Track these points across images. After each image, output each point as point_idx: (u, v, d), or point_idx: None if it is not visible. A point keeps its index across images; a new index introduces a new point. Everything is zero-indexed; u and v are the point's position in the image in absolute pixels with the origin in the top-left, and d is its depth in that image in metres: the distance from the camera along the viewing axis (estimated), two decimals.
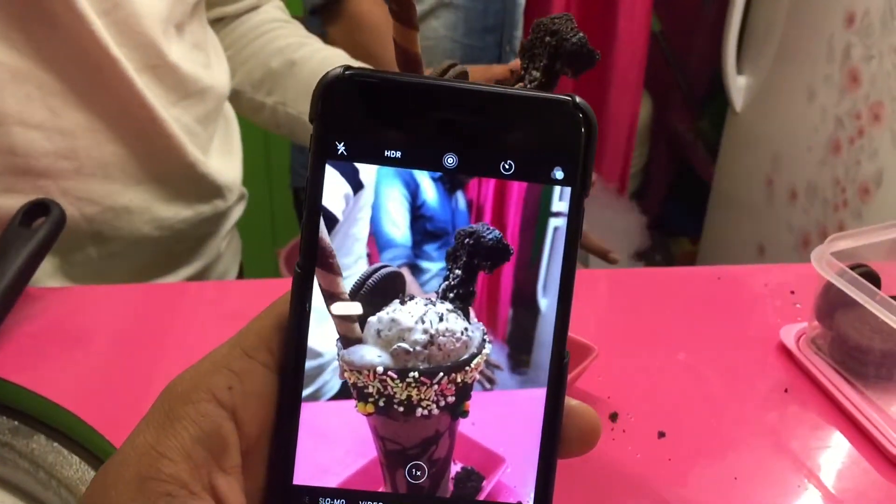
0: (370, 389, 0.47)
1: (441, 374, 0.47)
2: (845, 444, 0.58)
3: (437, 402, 0.48)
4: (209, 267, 0.86)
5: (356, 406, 0.50)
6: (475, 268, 0.49)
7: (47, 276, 0.72)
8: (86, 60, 0.67)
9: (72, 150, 0.69)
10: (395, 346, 0.47)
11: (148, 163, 0.74)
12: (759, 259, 1.85)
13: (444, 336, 0.47)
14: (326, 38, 1.10)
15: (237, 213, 0.90)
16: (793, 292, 0.72)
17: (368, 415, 0.49)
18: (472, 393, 0.49)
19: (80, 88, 0.68)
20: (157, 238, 0.78)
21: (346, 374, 0.48)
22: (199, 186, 0.79)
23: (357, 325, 0.47)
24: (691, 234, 2.34)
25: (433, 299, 0.49)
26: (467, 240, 0.49)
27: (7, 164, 0.67)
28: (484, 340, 0.50)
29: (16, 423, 0.58)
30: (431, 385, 0.47)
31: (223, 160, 0.85)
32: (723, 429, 0.59)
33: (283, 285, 0.73)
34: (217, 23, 0.95)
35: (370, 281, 0.48)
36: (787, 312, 0.70)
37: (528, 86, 0.48)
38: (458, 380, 0.48)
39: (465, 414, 0.52)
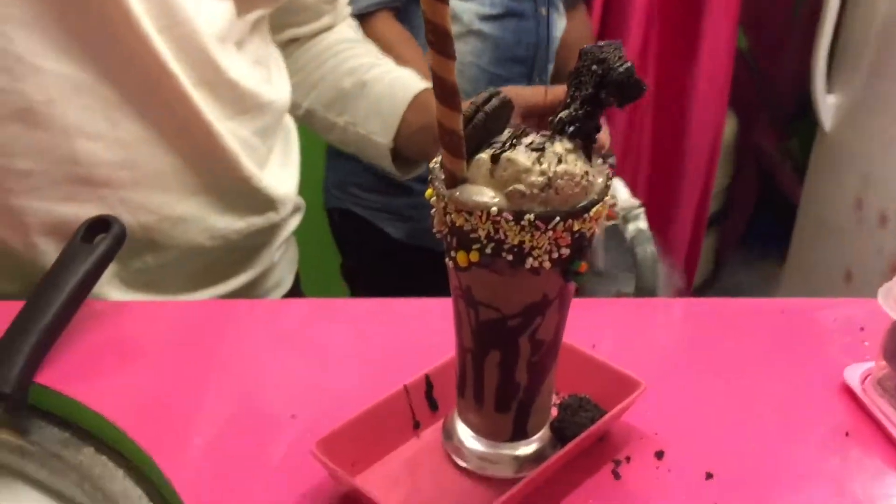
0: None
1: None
2: None
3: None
4: (263, 276, 0.88)
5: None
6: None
7: (105, 282, 0.74)
8: (145, 74, 0.69)
9: (130, 161, 0.71)
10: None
11: (203, 175, 0.76)
12: (846, 284, 1.78)
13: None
14: None
15: (292, 224, 0.91)
16: (862, 329, 0.69)
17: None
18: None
19: (139, 101, 0.70)
20: (211, 247, 0.79)
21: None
22: (253, 199, 0.81)
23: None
24: (777, 257, 2.26)
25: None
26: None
27: (69, 174, 0.69)
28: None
29: (67, 434, 0.59)
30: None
31: (281, 172, 0.86)
32: (776, 472, 0.56)
33: (329, 305, 0.74)
34: (291, 43, 0.96)
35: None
36: (854, 350, 0.66)
37: (574, 114, 0.47)
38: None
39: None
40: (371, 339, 0.68)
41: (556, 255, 0.46)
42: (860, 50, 1.68)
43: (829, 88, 1.76)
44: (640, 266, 1.13)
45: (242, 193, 0.79)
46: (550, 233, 0.45)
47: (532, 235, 0.45)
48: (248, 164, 0.78)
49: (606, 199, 0.47)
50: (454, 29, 1.27)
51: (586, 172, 0.46)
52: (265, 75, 0.82)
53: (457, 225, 0.46)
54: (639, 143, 1.77)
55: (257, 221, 0.82)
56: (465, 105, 0.46)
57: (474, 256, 0.46)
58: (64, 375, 0.62)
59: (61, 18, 0.65)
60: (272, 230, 0.86)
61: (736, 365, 0.66)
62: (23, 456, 0.59)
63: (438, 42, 0.41)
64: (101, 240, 0.67)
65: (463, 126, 0.46)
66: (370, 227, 1.44)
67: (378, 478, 0.54)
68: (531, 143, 0.46)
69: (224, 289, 0.83)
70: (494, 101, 0.47)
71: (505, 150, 0.45)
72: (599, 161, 0.49)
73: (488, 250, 0.46)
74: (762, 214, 2.41)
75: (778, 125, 2.27)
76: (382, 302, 0.72)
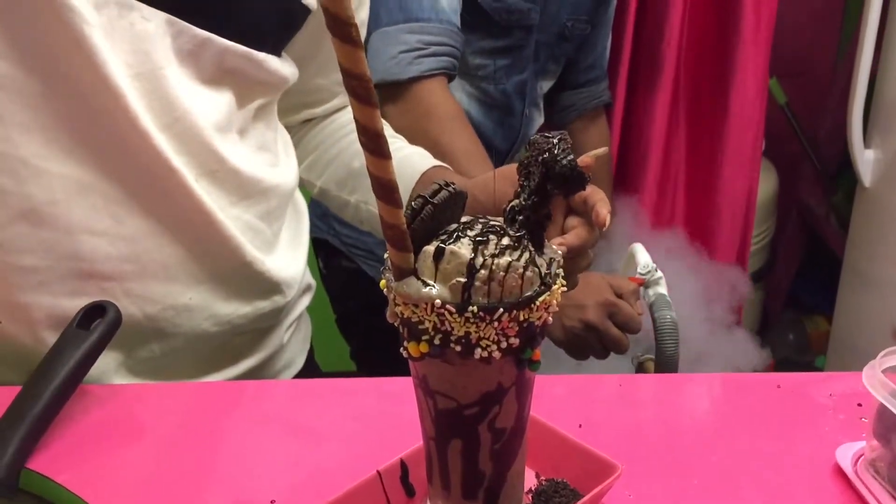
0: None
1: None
2: None
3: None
4: (272, 358, 0.89)
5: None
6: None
7: (112, 371, 0.76)
8: (147, 171, 0.71)
9: (134, 254, 0.73)
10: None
11: (207, 263, 0.77)
12: (894, 340, 1.72)
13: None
14: (383, 115, 1.10)
15: (301, 305, 0.92)
16: (860, 405, 0.67)
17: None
18: None
19: (142, 197, 0.72)
20: (217, 333, 0.80)
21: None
22: (258, 283, 0.82)
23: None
24: (826, 312, 2.21)
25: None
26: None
27: (73, 269, 0.71)
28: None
29: None
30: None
31: (289, 253, 0.88)
32: None
33: (315, 385, 0.74)
34: (307, 123, 0.99)
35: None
36: (850, 428, 0.64)
37: (523, 203, 0.48)
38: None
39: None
40: (358, 418, 0.69)
41: (504, 345, 0.46)
42: None
43: (867, 143, 1.73)
44: (658, 331, 1.11)
45: (247, 278, 0.81)
46: (496, 323, 0.45)
47: (478, 326, 0.45)
48: (251, 249, 0.79)
49: (555, 287, 0.47)
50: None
51: (531, 263, 0.46)
52: (270, 159, 0.84)
53: (405, 316, 0.46)
54: (672, 204, 1.76)
55: (263, 305, 0.84)
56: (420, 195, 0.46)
57: (424, 347, 0.47)
58: (56, 460, 0.64)
59: (64, 121, 0.68)
60: (279, 313, 0.87)
61: (724, 444, 0.64)
62: None
63: (370, 143, 0.42)
64: (97, 325, 0.69)
65: (412, 217, 0.47)
66: (356, 275, 1.41)
67: None
68: (475, 235, 0.46)
69: (232, 372, 0.84)
70: (443, 194, 0.47)
71: (449, 243, 0.46)
72: (552, 249, 0.49)
73: (437, 341, 0.46)
74: (810, 272, 2.36)
75: (822, 179, 2.23)
76: (371, 381, 0.72)
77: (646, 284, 1.17)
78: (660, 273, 1.17)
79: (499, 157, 1.40)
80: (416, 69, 1.14)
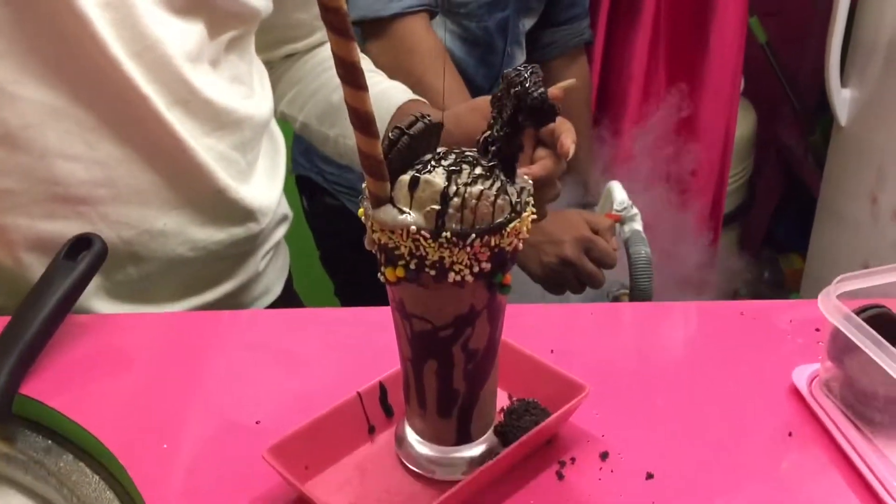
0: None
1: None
2: (847, 492, 0.56)
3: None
4: (249, 284, 0.91)
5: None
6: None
7: (91, 294, 0.78)
8: (118, 98, 0.73)
9: (109, 179, 0.75)
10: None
11: (181, 189, 0.79)
12: None
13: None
14: (364, 52, 1.10)
15: (278, 234, 0.95)
16: (818, 329, 0.70)
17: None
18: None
19: (114, 123, 0.74)
20: (193, 258, 0.83)
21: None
22: (232, 211, 0.84)
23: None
24: (802, 251, 2.24)
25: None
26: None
27: (49, 193, 0.73)
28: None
29: (49, 442, 0.63)
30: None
31: (265, 183, 0.90)
32: (716, 472, 0.58)
33: (299, 315, 0.77)
34: (289, 58, 1.00)
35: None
36: (807, 352, 0.68)
37: (496, 134, 0.50)
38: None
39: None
40: (340, 347, 0.71)
41: (476, 270, 0.48)
42: (874, 43, 1.66)
43: (844, 82, 1.75)
44: (633, 266, 1.14)
45: (221, 205, 0.82)
46: (468, 249, 0.47)
47: (451, 251, 0.47)
48: (225, 177, 0.81)
49: (525, 214, 0.49)
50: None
51: (503, 191, 0.48)
52: (245, 92, 0.85)
53: (382, 242, 0.49)
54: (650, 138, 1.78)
55: (238, 232, 0.86)
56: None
57: (400, 272, 0.49)
58: (47, 387, 0.66)
59: (35, 48, 0.69)
60: (254, 240, 0.89)
61: (687, 367, 0.67)
62: (9, 462, 0.63)
63: (347, 75, 0.44)
64: (84, 257, 0.71)
65: (389, 148, 0.49)
66: (340, 212, 1.43)
67: (329, 482, 0.57)
68: (449, 165, 0.48)
69: (210, 297, 0.87)
70: (419, 125, 0.49)
71: (424, 173, 0.48)
72: (522, 178, 0.51)
73: (412, 266, 0.48)
74: (787, 210, 2.39)
75: (800, 119, 2.24)
76: (352, 311, 0.75)
77: (622, 221, 1.20)
78: (635, 210, 1.20)
79: (479, 95, 1.41)
80: (397, 6, 1.15)
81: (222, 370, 0.69)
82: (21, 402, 0.65)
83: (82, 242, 0.72)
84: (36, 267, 0.75)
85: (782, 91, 2.23)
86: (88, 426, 0.62)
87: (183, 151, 0.77)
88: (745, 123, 2.04)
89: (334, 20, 0.42)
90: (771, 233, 2.44)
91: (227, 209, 0.83)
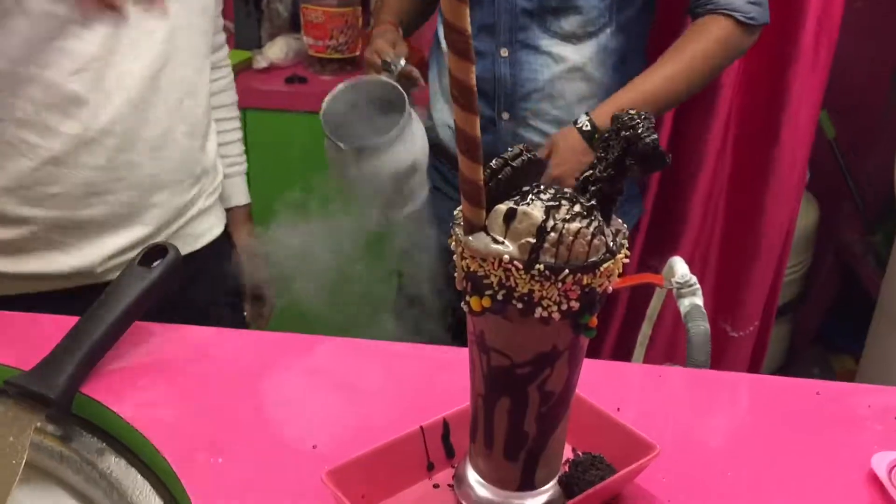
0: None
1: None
2: None
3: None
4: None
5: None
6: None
7: None
8: None
9: None
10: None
11: None
12: None
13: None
14: None
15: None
16: None
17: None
18: None
19: None
20: None
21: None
22: None
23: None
24: (855, 352, 2.19)
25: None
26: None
27: None
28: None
29: (103, 444, 0.63)
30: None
31: None
32: None
33: (362, 345, 0.75)
34: None
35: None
36: (887, 439, 0.65)
37: (598, 174, 0.49)
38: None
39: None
40: (401, 380, 0.70)
41: (565, 307, 0.47)
42: None
43: None
44: (690, 342, 1.12)
45: None
46: (560, 284, 0.46)
47: (542, 285, 0.46)
48: None
49: (619, 256, 0.48)
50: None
51: (599, 231, 0.47)
52: None
53: (471, 270, 0.48)
54: (713, 223, 1.76)
55: None
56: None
57: (486, 302, 0.48)
58: (107, 389, 0.66)
59: None
60: None
61: (760, 442, 0.65)
62: (61, 461, 0.63)
63: (462, 98, 0.44)
64: (157, 265, 0.71)
65: (490, 177, 0.48)
66: None
67: None
68: (548, 200, 0.47)
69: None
70: (524, 158, 0.49)
71: (522, 204, 0.47)
72: (618, 221, 0.50)
73: (500, 297, 0.47)
74: (841, 309, 2.35)
75: (862, 218, 2.22)
76: (414, 347, 0.74)
77: (681, 295, 1.18)
78: (697, 284, 1.18)
79: (485, 102, 1.33)
80: None
81: (283, 392, 0.68)
82: (80, 402, 0.65)
83: (157, 251, 0.72)
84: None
85: (846, 189, 2.21)
86: (144, 433, 0.62)
87: None
88: (806, 216, 2.02)
89: (458, 41, 0.42)
90: (823, 333, 2.39)
91: None
